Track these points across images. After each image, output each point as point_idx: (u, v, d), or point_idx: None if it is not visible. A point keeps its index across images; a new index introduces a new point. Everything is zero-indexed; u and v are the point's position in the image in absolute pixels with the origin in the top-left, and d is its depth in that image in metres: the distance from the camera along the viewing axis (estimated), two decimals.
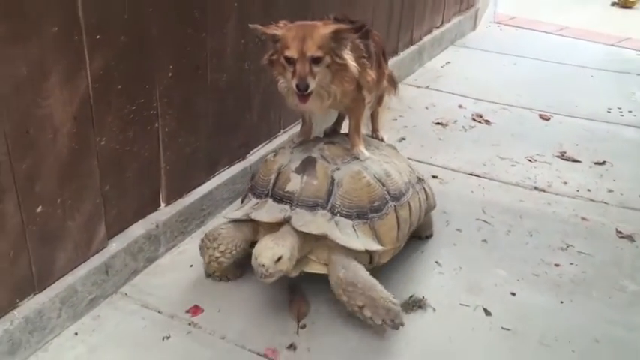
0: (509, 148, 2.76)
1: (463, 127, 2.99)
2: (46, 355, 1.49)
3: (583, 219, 2.23)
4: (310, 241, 1.64)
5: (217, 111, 2.00)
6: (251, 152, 2.25)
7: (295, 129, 2.27)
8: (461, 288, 1.83)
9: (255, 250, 1.53)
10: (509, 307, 1.76)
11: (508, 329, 1.68)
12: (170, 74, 1.75)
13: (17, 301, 1.45)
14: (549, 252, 2.02)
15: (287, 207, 1.65)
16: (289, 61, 1.55)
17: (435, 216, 2.11)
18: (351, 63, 1.60)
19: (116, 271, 1.70)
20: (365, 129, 1.91)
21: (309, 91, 1.55)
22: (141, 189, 1.78)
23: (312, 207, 1.64)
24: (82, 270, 1.60)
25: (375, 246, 1.65)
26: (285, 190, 1.67)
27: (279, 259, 1.52)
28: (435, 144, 2.78)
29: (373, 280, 1.59)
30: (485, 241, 2.07)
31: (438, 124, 3.00)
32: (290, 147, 1.82)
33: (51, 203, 1.47)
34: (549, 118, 3.14)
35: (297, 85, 1.54)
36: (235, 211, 1.76)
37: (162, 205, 1.89)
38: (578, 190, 2.43)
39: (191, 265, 1.86)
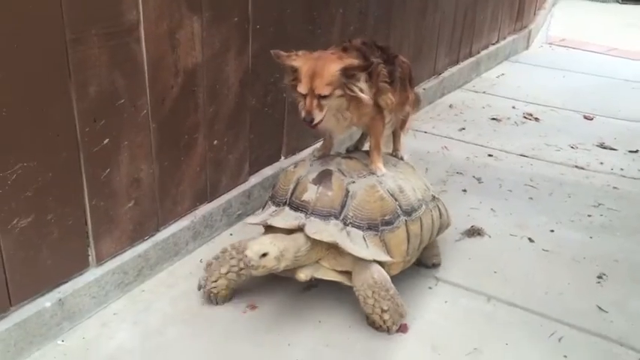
0: (554, 138, 3.33)
1: (515, 122, 3.58)
2: (212, 244, 2.18)
3: (614, 188, 2.78)
4: (322, 249, 1.79)
5: None
6: None
7: None
8: (510, 225, 2.42)
9: (250, 242, 1.68)
10: (549, 238, 2.34)
11: (547, 250, 2.25)
12: None
13: (197, 204, 2.15)
14: (584, 207, 2.58)
15: (302, 215, 1.78)
16: (300, 94, 1.73)
17: (489, 180, 2.70)
18: (361, 95, 1.72)
19: (254, 198, 2.38)
20: (385, 147, 2.05)
21: (314, 123, 1.71)
22: (271, 142, 2.48)
23: (326, 216, 1.77)
24: (234, 192, 2.29)
25: (383, 257, 1.78)
26: (302, 199, 1.81)
27: (264, 255, 1.64)
28: (491, 133, 3.38)
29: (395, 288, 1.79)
30: (531, 198, 2.65)
31: (493, 119, 3.60)
32: (310, 160, 1.97)
33: (221, 140, 2.17)
34: (592, 119, 3.69)
35: (303, 118, 1.73)
36: (254, 217, 1.98)
37: (282, 157, 2.57)
38: (612, 169, 2.97)
39: None
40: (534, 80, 4.42)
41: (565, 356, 1.74)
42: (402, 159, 2.11)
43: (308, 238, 1.73)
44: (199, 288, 1.89)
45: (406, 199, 1.88)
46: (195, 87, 1.99)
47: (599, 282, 2.08)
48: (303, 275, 1.77)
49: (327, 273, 1.81)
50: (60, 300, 1.68)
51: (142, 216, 1.92)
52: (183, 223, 2.07)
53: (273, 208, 1.86)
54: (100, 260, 1.81)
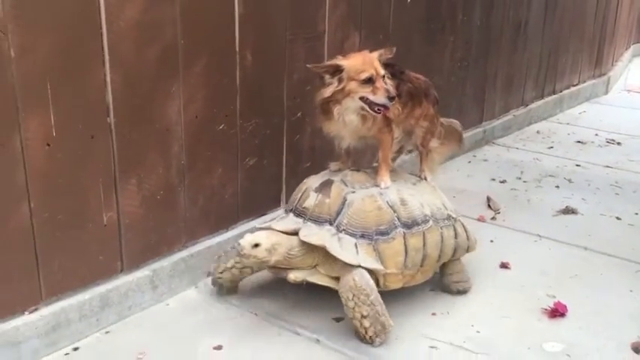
0: (637, 156, 3.86)
1: (599, 145, 4.14)
2: None
3: None
4: (319, 255, 1.88)
5: None
6: None
7: None
8: (600, 209, 2.98)
9: (247, 234, 1.82)
10: (635, 219, 2.88)
11: (632, 225, 2.80)
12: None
13: None
14: None
15: (301, 220, 1.93)
16: (367, 82, 1.84)
17: (578, 181, 3.28)
18: (390, 84, 1.91)
19: None
20: (434, 173, 2.23)
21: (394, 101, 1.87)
22: None
23: (321, 222, 1.90)
24: None
25: (373, 265, 1.84)
26: (303, 206, 1.95)
27: (256, 245, 1.78)
28: (577, 152, 3.96)
29: (380, 298, 1.83)
30: (617, 194, 3.21)
31: (578, 142, 4.18)
32: (324, 173, 2.09)
33: None
34: None
35: (388, 97, 1.84)
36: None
37: None
38: None
39: None
40: (615, 116, 4.96)
41: None
42: (425, 179, 2.19)
43: (302, 240, 1.85)
44: (208, 275, 2.14)
45: (407, 212, 1.94)
46: None
47: None
48: (292, 276, 1.88)
49: (321, 278, 1.89)
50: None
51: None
52: None
53: (283, 214, 2.03)
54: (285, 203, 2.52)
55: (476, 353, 1.85)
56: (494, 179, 3.37)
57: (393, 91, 1.86)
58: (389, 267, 1.88)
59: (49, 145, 1.68)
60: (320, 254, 1.88)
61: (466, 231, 2.13)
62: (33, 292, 1.74)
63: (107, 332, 1.91)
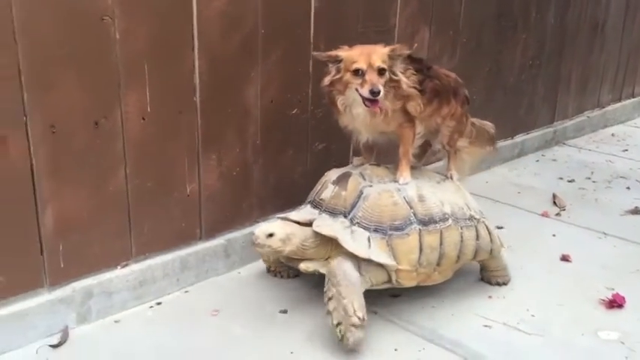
0: None
1: None
2: None
3: None
4: (333, 247, 1.89)
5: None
6: None
7: None
8: None
9: (262, 223, 1.94)
10: None
11: None
12: (488, 68, 3.27)
13: None
14: None
15: (317, 211, 1.96)
16: (357, 73, 1.83)
17: None
18: (403, 79, 1.88)
19: None
20: (461, 173, 2.22)
21: (381, 95, 1.80)
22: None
23: (336, 214, 1.91)
24: None
25: (383, 259, 1.82)
26: (320, 197, 1.99)
27: (271, 235, 1.80)
28: None
29: (355, 284, 1.78)
30: None
31: None
32: (346, 167, 2.13)
33: None
34: None
35: (371, 91, 1.79)
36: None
37: None
38: None
39: None
40: None
41: None
42: (451, 178, 2.18)
43: (315, 232, 1.86)
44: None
45: (425, 209, 1.92)
46: None
47: None
48: (303, 266, 1.89)
49: None
50: None
51: None
52: None
53: (302, 206, 2.06)
54: None
55: (529, 334, 1.92)
56: (561, 178, 3.37)
57: (378, 87, 1.80)
58: (401, 263, 1.86)
59: (144, 118, 1.91)
60: (334, 246, 1.89)
61: (490, 233, 2.07)
62: (125, 250, 1.98)
63: (186, 291, 2.12)
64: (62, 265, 1.83)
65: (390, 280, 1.88)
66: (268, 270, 2.23)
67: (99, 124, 1.81)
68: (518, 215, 2.85)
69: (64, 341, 1.81)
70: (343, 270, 1.80)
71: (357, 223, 1.87)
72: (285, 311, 2.00)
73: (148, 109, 1.91)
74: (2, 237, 1.70)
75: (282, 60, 2.25)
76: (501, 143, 3.52)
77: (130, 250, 1.99)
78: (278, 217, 1.97)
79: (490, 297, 2.13)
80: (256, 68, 2.17)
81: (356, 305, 1.74)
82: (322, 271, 1.86)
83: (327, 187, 1.99)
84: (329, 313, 1.78)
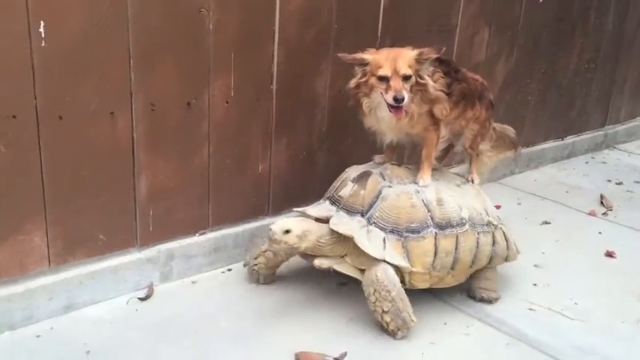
0: None
1: None
2: None
3: None
4: (349, 246, 1.91)
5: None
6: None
7: None
8: None
9: (278, 219, 1.91)
10: None
11: None
12: (543, 70, 3.38)
13: None
14: None
15: (334, 208, 1.97)
16: (382, 79, 1.85)
17: None
18: (430, 83, 1.90)
19: None
20: (481, 175, 2.26)
21: (405, 102, 1.82)
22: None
23: (353, 213, 1.93)
24: None
25: (398, 261, 1.84)
26: (339, 194, 2.01)
27: (287, 231, 1.82)
28: None
29: (402, 290, 1.85)
30: None
31: None
32: (367, 165, 2.14)
33: None
34: None
35: (394, 98, 1.81)
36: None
37: None
38: None
39: None
40: None
41: None
42: (471, 181, 2.20)
43: (332, 229, 1.89)
44: (244, 265, 2.21)
45: (443, 213, 1.93)
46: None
47: None
48: (317, 262, 1.92)
49: (347, 268, 1.93)
50: None
51: None
52: None
53: (321, 201, 2.09)
54: None
55: (572, 319, 2.07)
56: (610, 180, 3.46)
57: (402, 94, 1.82)
58: (415, 266, 1.89)
59: (227, 102, 2.13)
60: (350, 245, 1.91)
61: (507, 240, 2.08)
62: (203, 219, 2.21)
63: None
64: (151, 229, 2.08)
65: (403, 281, 1.91)
66: (250, 273, 2.17)
67: (190, 104, 2.04)
68: (565, 213, 2.98)
69: (150, 295, 2.06)
70: (392, 281, 1.84)
71: (374, 223, 1.90)
72: (344, 284, 2.20)
73: (232, 94, 2.13)
74: (106, 202, 1.95)
75: (350, 53, 2.41)
76: (552, 144, 3.65)
77: (208, 220, 2.22)
78: (295, 210, 2.04)
79: (535, 284, 2.28)
80: (327, 60, 2.37)
81: (411, 312, 1.85)
82: (337, 268, 1.93)
83: (347, 185, 2.02)
84: (384, 322, 1.85)
